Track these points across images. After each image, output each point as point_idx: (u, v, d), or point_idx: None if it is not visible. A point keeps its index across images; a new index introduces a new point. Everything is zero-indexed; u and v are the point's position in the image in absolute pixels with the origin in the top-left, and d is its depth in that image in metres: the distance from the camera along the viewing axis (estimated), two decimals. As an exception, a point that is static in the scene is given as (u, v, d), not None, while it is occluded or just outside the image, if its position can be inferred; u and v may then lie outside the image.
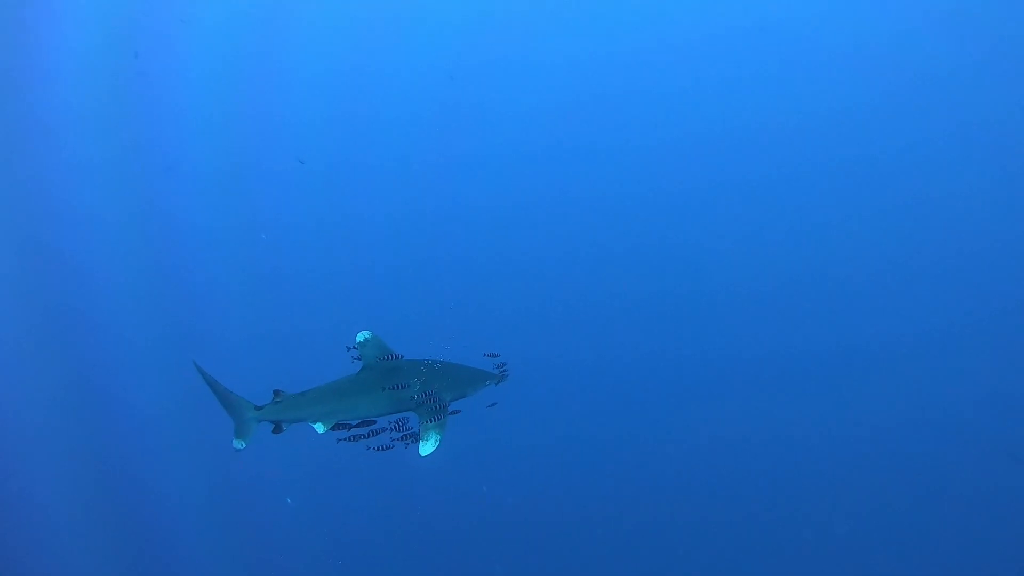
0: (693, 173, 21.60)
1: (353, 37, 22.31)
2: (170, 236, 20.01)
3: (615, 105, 22.46)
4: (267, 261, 20.32)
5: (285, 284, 19.87)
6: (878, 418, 16.08)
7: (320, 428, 6.31)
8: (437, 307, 18.09)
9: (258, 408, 6.40)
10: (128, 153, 20.04)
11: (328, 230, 21.12)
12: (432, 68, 22.29)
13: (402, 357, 6.44)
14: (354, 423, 6.38)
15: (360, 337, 6.65)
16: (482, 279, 19.82)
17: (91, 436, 15.84)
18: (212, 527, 14.92)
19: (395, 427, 6.19)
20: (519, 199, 21.51)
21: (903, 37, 20.92)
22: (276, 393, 6.37)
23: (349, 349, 6.60)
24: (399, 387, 6.13)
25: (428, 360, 6.50)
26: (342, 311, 17.52)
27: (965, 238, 19.16)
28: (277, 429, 6.45)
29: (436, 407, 6.14)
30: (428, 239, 20.57)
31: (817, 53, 21.60)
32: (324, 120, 22.27)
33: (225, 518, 15.06)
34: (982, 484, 14.64)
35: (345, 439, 6.32)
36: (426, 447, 5.93)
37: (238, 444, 6.44)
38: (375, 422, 6.35)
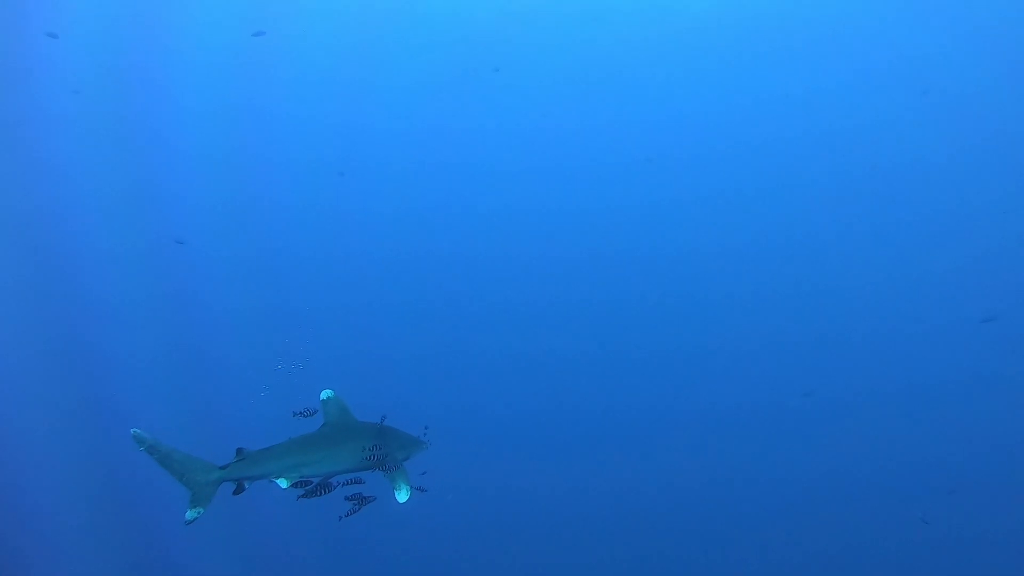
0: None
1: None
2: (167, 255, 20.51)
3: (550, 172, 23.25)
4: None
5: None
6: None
7: (283, 483, 6.36)
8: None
9: (222, 468, 6.29)
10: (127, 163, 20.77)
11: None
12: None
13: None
14: (315, 479, 6.53)
15: (323, 395, 7.12)
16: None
17: (88, 443, 16.03)
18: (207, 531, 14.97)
19: (349, 484, 6.67)
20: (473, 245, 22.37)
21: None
22: (239, 451, 6.40)
23: (295, 415, 6.95)
24: (375, 448, 6.59)
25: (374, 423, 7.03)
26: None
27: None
28: (238, 489, 6.41)
29: (395, 464, 6.69)
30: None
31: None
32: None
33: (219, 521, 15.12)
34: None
35: (303, 496, 6.54)
36: (402, 495, 6.55)
37: (194, 513, 6.16)
38: (332, 482, 6.64)
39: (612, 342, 20.04)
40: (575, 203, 22.67)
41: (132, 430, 6.15)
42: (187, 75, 22.05)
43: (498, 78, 22.05)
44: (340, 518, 6.87)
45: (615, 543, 15.46)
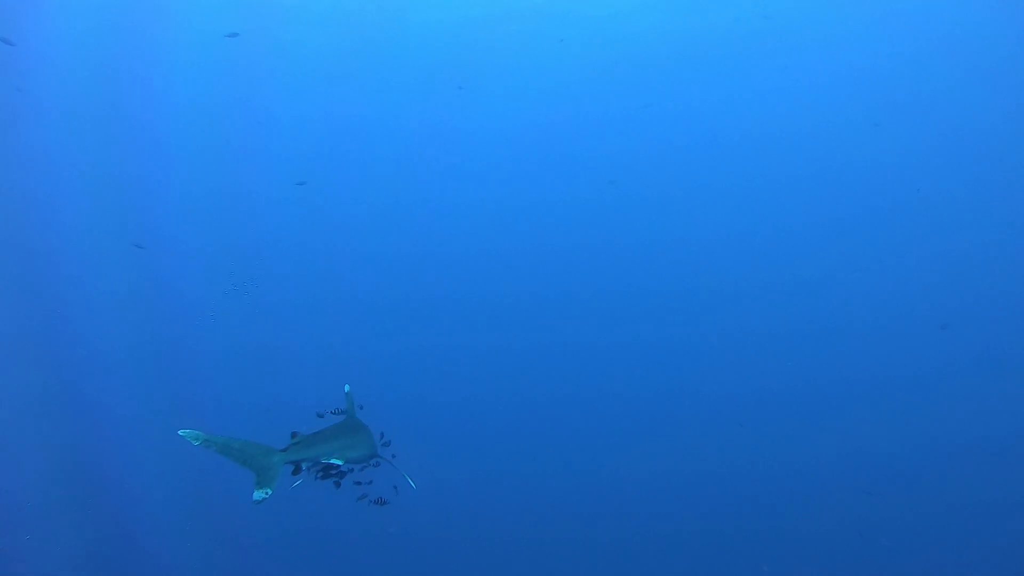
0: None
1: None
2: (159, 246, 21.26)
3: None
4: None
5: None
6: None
7: (339, 461, 6.90)
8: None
9: (282, 450, 6.58)
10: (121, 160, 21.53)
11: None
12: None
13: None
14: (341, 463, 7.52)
15: (347, 388, 8.56)
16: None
17: (74, 439, 16.49)
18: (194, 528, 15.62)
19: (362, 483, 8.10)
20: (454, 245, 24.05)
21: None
22: (294, 434, 6.83)
23: (319, 415, 8.20)
24: (383, 438, 8.19)
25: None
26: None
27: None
28: (296, 470, 6.71)
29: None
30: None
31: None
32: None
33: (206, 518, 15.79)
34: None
35: (322, 477, 7.18)
36: (412, 484, 7.78)
37: (261, 494, 6.19)
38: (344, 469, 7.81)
39: (603, 337, 21.31)
40: (537, 203, 24.67)
41: (180, 431, 6.12)
42: (134, 76, 23.06)
43: (462, 94, 24.19)
44: (358, 499, 8.48)
45: (610, 535, 16.46)
